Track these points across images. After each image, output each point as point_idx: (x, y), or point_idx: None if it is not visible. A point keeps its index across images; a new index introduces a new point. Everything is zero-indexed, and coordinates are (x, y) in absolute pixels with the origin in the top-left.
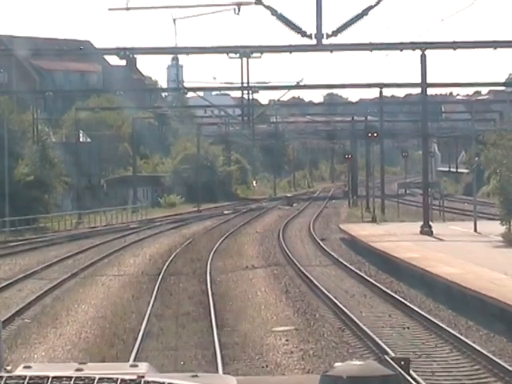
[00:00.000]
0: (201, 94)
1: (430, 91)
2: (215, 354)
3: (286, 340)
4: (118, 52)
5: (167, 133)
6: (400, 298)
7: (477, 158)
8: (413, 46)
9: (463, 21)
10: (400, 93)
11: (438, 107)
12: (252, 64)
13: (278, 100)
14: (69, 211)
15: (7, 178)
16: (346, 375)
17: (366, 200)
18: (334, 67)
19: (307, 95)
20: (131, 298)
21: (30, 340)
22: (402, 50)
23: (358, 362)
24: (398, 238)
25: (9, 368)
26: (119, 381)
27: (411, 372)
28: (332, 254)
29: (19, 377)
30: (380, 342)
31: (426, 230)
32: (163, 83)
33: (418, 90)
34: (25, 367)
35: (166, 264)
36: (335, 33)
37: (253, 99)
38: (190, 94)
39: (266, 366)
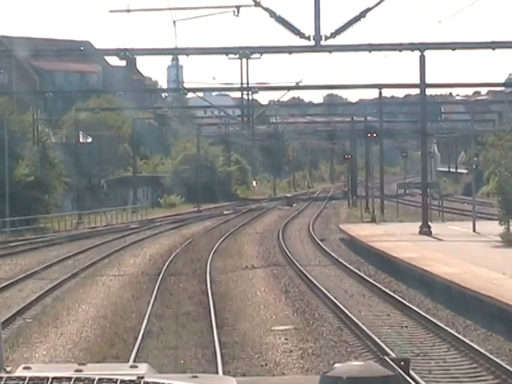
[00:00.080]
0: (201, 94)
1: (430, 92)
2: (215, 353)
3: (286, 339)
4: (118, 53)
5: (167, 133)
6: (399, 298)
7: (476, 159)
8: (412, 46)
9: (462, 22)
10: (399, 93)
11: (438, 108)
12: (251, 65)
13: (278, 100)
14: (69, 211)
15: (7, 178)
16: (346, 376)
17: (366, 200)
18: (333, 68)
19: (307, 96)
20: (131, 298)
21: (31, 339)
22: (400, 50)
23: (357, 363)
24: (397, 238)
25: (9, 369)
26: (119, 381)
27: (411, 372)
28: (331, 254)
29: (19, 378)
30: (378, 340)
31: (425, 230)
32: (163, 84)
33: (417, 91)
34: (24, 368)
35: (166, 264)
36: (333, 35)
37: (252, 100)
38: (190, 95)
39: (266, 365)
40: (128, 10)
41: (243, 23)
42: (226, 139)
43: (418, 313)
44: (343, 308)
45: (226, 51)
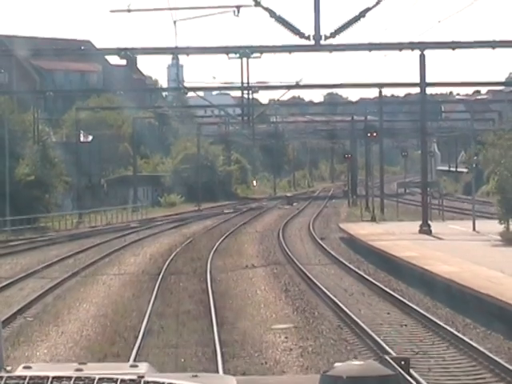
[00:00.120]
0: (201, 93)
1: (430, 91)
2: (215, 351)
3: (285, 337)
4: (119, 52)
5: (167, 132)
6: (398, 296)
7: (475, 158)
8: (411, 46)
9: (462, 21)
10: (400, 92)
11: (438, 107)
12: (252, 64)
13: (278, 100)
14: (69, 211)
15: (8, 177)
16: (346, 375)
17: (366, 199)
18: (333, 67)
19: (307, 95)
20: (132, 297)
21: (32, 338)
22: (400, 50)
23: (357, 362)
24: (396, 236)
25: (9, 368)
26: (119, 381)
27: (411, 371)
28: (331, 252)
29: (19, 377)
30: (378, 339)
31: (425, 229)
32: (163, 83)
33: (417, 90)
34: (25, 367)
35: (167, 263)
36: (333, 34)
37: (253, 99)
38: (190, 94)
39: (265, 363)
40: (129, 10)
41: (243, 23)
42: (226, 138)
43: (418, 311)
44: (343, 306)
45: (226, 50)
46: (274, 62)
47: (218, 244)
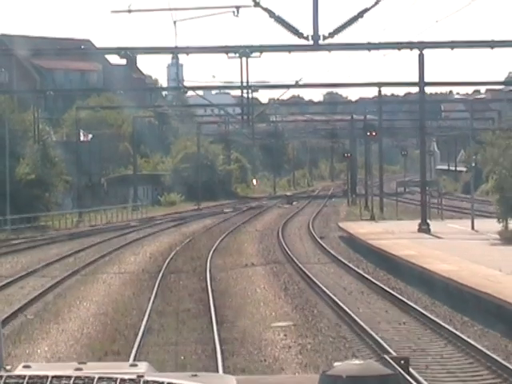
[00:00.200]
0: (201, 93)
1: (430, 90)
2: (215, 349)
3: (285, 335)
4: (119, 51)
5: (167, 132)
6: (397, 295)
7: (474, 157)
8: (410, 45)
9: (461, 20)
10: (400, 91)
11: (438, 106)
12: (251, 64)
13: (278, 99)
14: (69, 210)
15: (8, 176)
16: (346, 375)
17: (365, 198)
18: (332, 67)
19: (307, 94)
20: (132, 295)
21: (33, 335)
22: (399, 49)
23: (357, 362)
24: (395, 235)
25: (8, 367)
26: (118, 380)
27: (411, 370)
28: (331, 251)
29: (19, 376)
30: (376, 336)
31: (424, 228)
32: (163, 82)
33: (417, 89)
34: (24, 367)
35: (167, 262)
36: (331, 34)
37: (252, 98)
38: (190, 93)
39: (265, 360)
40: (129, 11)
41: (243, 23)
42: (226, 138)
43: (416, 309)
44: (342, 305)
45: (225, 50)
46: (273, 61)
47: (217, 243)
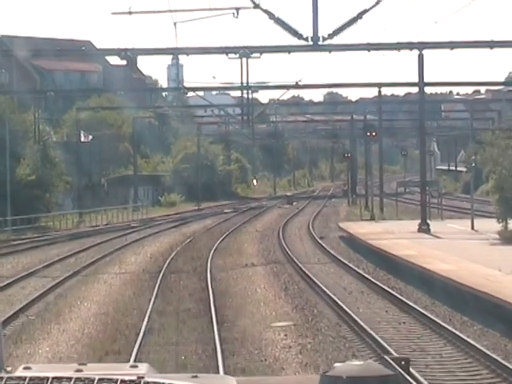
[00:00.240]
0: (201, 93)
1: (430, 90)
2: (215, 348)
3: (285, 335)
4: (119, 52)
5: (167, 132)
6: (397, 294)
7: (474, 157)
8: (410, 46)
9: (460, 21)
10: (400, 91)
11: (438, 106)
12: (251, 64)
13: (278, 99)
14: (70, 210)
15: (9, 177)
16: (346, 375)
17: (365, 199)
18: (332, 67)
19: (307, 94)
20: (133, 295)
21: (34, 335)
22: (399, 50)
23: (357, 362)
24: (395, 235)
25: (9, 369)
26: (119, 381)
27: (411, 370)
28: (331, 251)
29: (19, 378)
30: (376, 336)
31: (424, 228)
32: (163, 83)
33: (417, 89)
34: (25, 368)
35: (167, 262)
36: (331, 35)
37: (252, 99)
38: (190, 94)
39: (265, 360)
40: (130, 13)
41: (243, 25)
42: (226, 138)
43: (416, 309)
44: (342, 304)
45: (225, 51)
46: (273, 62)
47: (218, 243)
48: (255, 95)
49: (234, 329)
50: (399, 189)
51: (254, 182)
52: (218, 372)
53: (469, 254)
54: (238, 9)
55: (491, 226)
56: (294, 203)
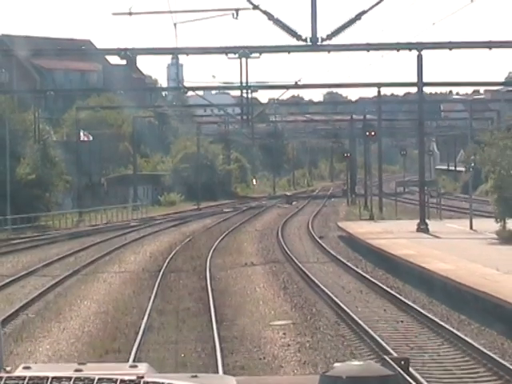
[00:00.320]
0: (201, 93)
1: (429, 90)
2: (215, 347)
3: (284, 333)
4: (119, 52)
5: (167, 132)
6: (395, 294)
7: (473, 157)
8: (409, 46)
9: (459, 22)
10: (399, 91)
11: (437, 106)
12: (251, 64)
13: (278, 99)
14: (69, 209)
15: (9, 176)
16: (346, 375)
17: (365, 198)
18: (332, 67)
19: (307, 94)
20: (132, 294)
21: (34, 334)
22: (398, 50)
23: (357, 362)
24: (394, 235)
25: (8, 368)
26: (118, 381)
27: (411, 370)
28: (330, 251)
29: (19, 377)
30: (374, 334)
31: (423, 228)
32: (163, 82)
33: (416, 89)
34: (24, 368)
35: (167, 261)
36: (329, 36)
37: (252, 98)
38: (190, 93)
39: (264, 358)
40: (130, 13)
41: (242, 26)
42: (226, 137)
43: (414, 308)
44: (340, 304)
45: (225, 51)
46: (273, 62)
47: (217, 242)
48: (255, 95)
49: (234, 327)
50: (398, 188)
51: (254, 181)
52: (217, 370)
53: (467, 253)
54: (237, 10)
55: (490, 225)
56: (294, 203)
